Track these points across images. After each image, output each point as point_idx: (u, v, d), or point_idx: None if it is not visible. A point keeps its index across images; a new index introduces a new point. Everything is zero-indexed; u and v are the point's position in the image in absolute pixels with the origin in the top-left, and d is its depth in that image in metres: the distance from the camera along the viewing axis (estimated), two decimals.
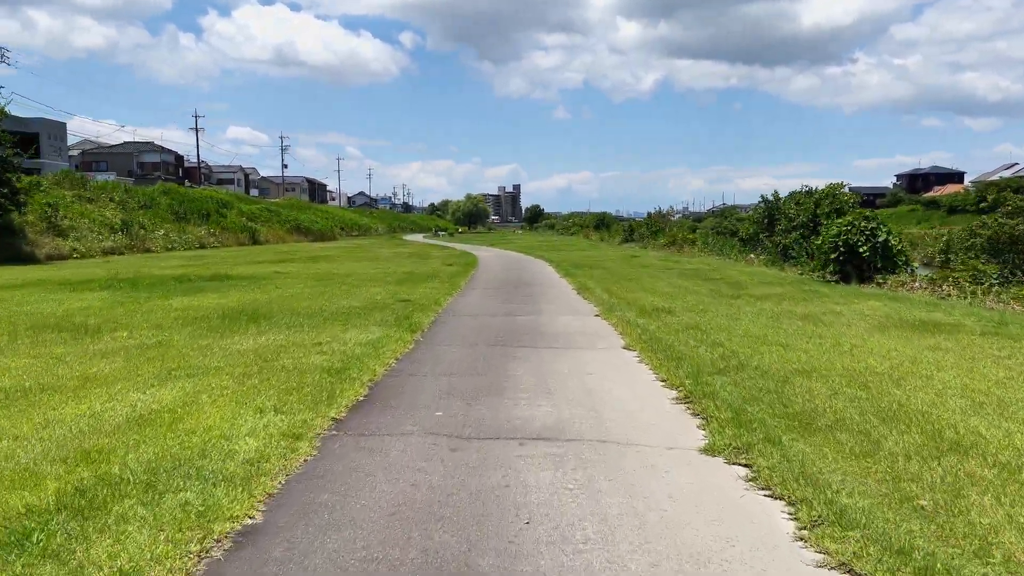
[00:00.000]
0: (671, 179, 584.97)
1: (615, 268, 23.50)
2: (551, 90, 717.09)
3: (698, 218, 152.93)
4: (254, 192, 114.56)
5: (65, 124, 71.84)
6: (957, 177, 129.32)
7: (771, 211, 31.64)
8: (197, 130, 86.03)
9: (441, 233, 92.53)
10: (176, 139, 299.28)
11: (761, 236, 31.58)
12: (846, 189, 31.59)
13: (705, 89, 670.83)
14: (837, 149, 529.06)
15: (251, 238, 44.71)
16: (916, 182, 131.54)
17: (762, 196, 32.59)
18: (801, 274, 21.22)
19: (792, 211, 30.83)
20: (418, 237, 79.94)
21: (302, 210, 76.75)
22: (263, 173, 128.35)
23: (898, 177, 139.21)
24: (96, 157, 79.29)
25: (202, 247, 38.04)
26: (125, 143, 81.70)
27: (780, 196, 32.20)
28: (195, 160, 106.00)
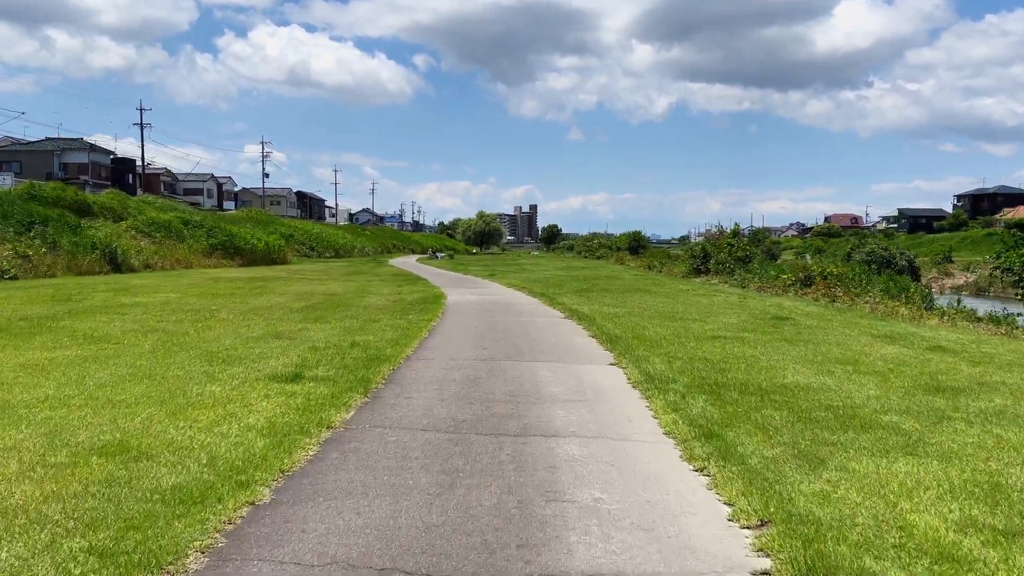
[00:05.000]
0: (688, 202, 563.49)
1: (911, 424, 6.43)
2: (565, 112, 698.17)
3: None
4: (229, 204, 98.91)
5: None
6: None
7: None
8: (142, 126, 70.39)
9: (440, 255, 75.69)
10: (197, 156, 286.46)
11: None
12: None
13: (720, 112, 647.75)
14: (853, 173, 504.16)
15: (109, 262, 28.26)
16: (981, 203, 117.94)
17: None
18: None
19: None
20: (409, 260, 63.28)
21: (261, 224, 60.53)
22: (248, 184, 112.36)
23: (958, 198, 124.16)
24: (8, 156, 63.43)
25: None
26: (46, 139, 65.82)
27: None
28: (160, 166, 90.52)
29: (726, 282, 27.52)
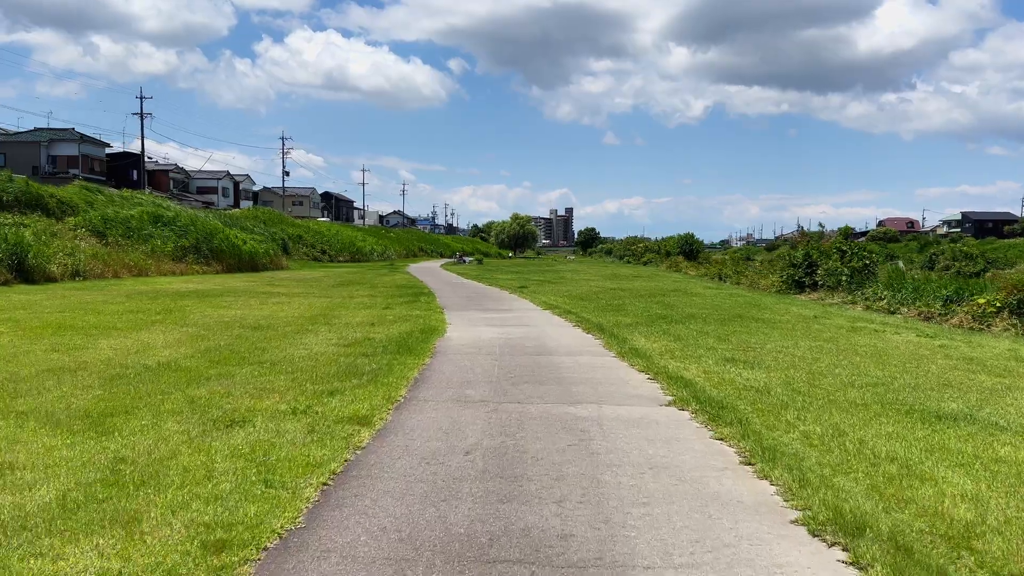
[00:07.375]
0: (726, 206, 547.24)
1: None
2: (600, 115, 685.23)
3: (772, 246, 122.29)
4: (246, 204, 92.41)
5: None
6: None
7: None
8: (143, 115, 63.90)
9: (467, 260, 67.95)
10: (239, 164, 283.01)
11: None
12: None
13: (757, 115, 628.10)
14: (897, 177, 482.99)
15: (14, 269, 21.24)
16: None
17: None
18: None
19: None
20: (433, 265, 55.87)
21: (265, 223, 53.47)
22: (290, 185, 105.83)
23: None
24: None
25: None
26: (34, 130, 59.67)
27: None
28: (169, 161, 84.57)
29: (852, 302, 19.39)
